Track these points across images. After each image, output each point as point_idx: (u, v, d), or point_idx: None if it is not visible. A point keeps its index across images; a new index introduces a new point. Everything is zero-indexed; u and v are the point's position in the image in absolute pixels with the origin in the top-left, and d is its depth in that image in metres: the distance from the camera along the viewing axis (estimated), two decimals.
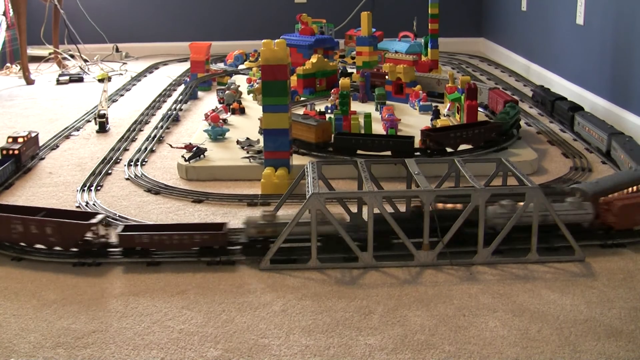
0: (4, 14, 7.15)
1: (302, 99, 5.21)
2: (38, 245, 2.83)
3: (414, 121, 4.48)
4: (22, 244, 2.83)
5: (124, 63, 7.51)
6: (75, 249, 2.78)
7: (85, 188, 3.59)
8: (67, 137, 4.62)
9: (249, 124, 4.52)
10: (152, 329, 2.30)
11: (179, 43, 7.79)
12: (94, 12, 7.83)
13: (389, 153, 3.75)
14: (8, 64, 7.19)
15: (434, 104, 4.74)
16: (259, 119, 4.42)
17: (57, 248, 2.79)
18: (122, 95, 5.94)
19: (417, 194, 2.76)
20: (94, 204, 3.36)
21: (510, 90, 5.64)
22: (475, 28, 8.17)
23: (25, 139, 3.95)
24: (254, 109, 4.87)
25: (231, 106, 4.86)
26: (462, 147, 3.84)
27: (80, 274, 2.68)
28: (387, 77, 5.08)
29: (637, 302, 2.43)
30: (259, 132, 4.23)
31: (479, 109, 4.46)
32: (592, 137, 4.15)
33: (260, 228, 2.73)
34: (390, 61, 5.40)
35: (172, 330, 2.29)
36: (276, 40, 3.41)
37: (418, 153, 3.79)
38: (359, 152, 3.79)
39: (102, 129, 4.70)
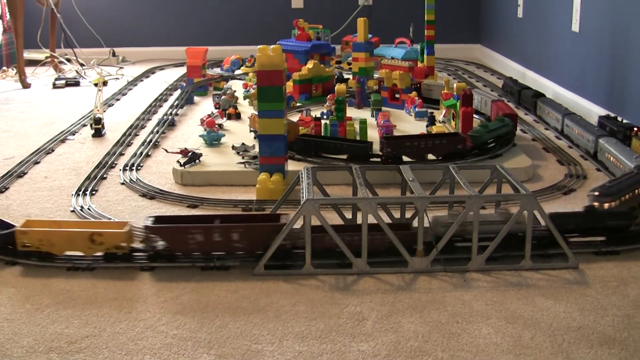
0: (1, 17, 7.15)
1: (298, 104, 5.21)
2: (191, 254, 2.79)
3: (409, 127, 4.48)
4: (198, 253, 2.76)
5: (121, 67, 7.52)
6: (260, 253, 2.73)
7: (80, 192, 3.59)
8: (63, 141, 4.62)
9: (244, 129, 4.52)
10: (146, 334, 2.30)
11: (176, 48, 7.80)
12: (90, 16, 7.84)
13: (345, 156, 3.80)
14: (4, 68, 7.19)
15: (429, 110, 4.75)
16: (248, 117, 4.43)
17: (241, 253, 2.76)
18: (118, 99, 5.94)
19: (411, 200, 2.77)
20: (88, 209, 3.36)
21: (508, 97, 5.64)
22: (472, 35, 8.18)
23: None
24: (250, 114, 4.86)
25: (227, 111, 4.86)
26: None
27: (74, 278, 2.68)
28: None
29: (630, 309, 2.43)
30: (250, 132, 4.26)
31: (475, 116, 4.47)
32: (550, 118, 4.77)
33: (449, 227, 2.71)
34: (386, 67, 5.41)
35: (166, 335, 2.29)
36: (272, 46, 3.42)
37: (376, 159, 3.78)
38: (320, 154, 3.86)
39: (98, 133, 4.70)
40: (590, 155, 4.04)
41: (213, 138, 4.17)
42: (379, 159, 3.75)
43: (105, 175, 3.88)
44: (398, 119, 4.68)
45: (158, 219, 2.80)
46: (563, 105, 4.81)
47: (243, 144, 4.02)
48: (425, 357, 2.16)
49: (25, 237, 2.75)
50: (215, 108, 5.08)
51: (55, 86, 6.50)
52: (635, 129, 3.94)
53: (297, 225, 2.69)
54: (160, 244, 2.75)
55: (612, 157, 3.73)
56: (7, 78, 6.93)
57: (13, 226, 2.83)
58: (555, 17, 5.75)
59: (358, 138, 4.21)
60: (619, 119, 4.19)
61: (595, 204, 2.89)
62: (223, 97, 5.12)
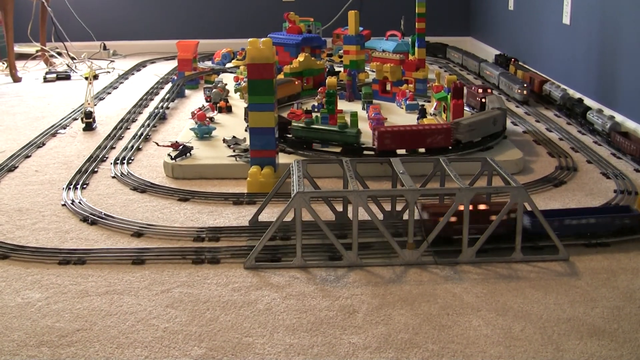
0: None
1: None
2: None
3: (400, 120, 4.48)
4: None
5: (112, 61, 7.50)
6: None
7: (71, 186, 3.59)
8: (54, 134, 4.61)
9: (235, 123, 4.52)
10: (137, 327, 2.30)
11: (167, 41, 7.78)
12: (81, 10, 7.82)
13: None
14: None
15: (420, 103, 4.75)
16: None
17: None
18: (109, 93, 5.93)
19: (402, 193, 2.77)
20: (79, 202, 3.36)
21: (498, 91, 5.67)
22: (463, 27, 8.19)
23: None
24: (240, 107, 4.86)
25: (218, 104, 4.85)
26: None
27: (65, 272, 2.68)
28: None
29: (619, 301, 2.45)
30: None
31: (466, 108, 4.48)
32: (455, 57, 6.95)
33: None
34: (377, 60, 5.41)
35: (157, 328, 2.29)
36: (262, 39, 3.42)
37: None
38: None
39: (89, 127, 4.69)
40: (478, 75, 6.25)
41: (204, 131, 4.16)
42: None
43: (96, 169, 3.87)
44: (389, 112, 4.69)
45: None
46: (463, 49, 7.00)
47: (234, 137, 4.01)
48: (415, 349, 2.16)
49: None
50: (206, 101, 5.07)
51: (46, 80, 6.48)
52: (513, 59, 6.08)
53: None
54: None
55: (487, 72, 5.98)
56: None
57: None
58: (546, 9, 5.75)
59: None
60: (507, 55, 6.24)
61: None
62: (214, 90, 5.11)
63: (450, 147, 3.76)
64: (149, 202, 3.40)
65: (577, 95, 5.00)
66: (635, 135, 4.07)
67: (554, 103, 5.05)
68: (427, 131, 3.72)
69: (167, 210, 3.28)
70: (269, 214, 3.15)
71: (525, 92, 5.22)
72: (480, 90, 4.56)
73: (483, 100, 4.54)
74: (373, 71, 5.26)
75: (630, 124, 4.29)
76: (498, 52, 6.55)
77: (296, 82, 5.09)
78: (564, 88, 5.10)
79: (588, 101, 4.78)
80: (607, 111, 4.46)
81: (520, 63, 6.06)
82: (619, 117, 4.34)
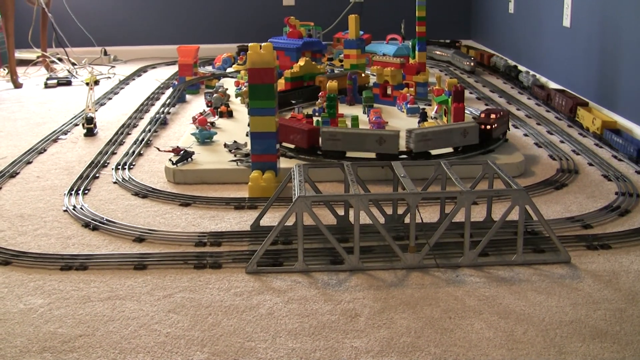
0: None
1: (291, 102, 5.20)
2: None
3: (401, 124, 4.49)
4: None
5: (112, 66, 7.51)
6: None
7: (73, 192, 3.59)
8: (55, 140, 4.62)
9: (236, 127, 4.52)
10: (139, 332, 2.30)
11: (167, 46, 7.80)
12: (82, 16, 7.82)
13: None
14: None
15: (421, 107, 4.75)
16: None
17: None
18: (110, 98, 5.93)
19: (403, 196, 2.77)
20: (81, 208, 3.36)
21: (499, 92, 5.67)
22: (463, 30, 8.19)
23: None
24: (241, 112, 4.87)
25: (219, 109, 4.86)
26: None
27: (67, 278, 2.68)
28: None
29: (622, 303, 2.44)
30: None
31: (467, 110, 4.48)
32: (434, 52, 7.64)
33: None
34: (377, 64, 5.41)
35: (159, 334, 2.29)
36: (263, 44, 3.42)
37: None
38: None
39: (90, 133, 4.70)
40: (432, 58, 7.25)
41: (205, 136, 4.16)
42: None
43: (97, 175, 3.88)
44: (390, 116, 4.69)
45: None
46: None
47: (235, 141, 4.02)
48: (418, 352, 2.16)
49: None
50: (207, 106, 5.08)
51: (46, 86, 6.48)
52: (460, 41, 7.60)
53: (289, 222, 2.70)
54: None
55: (446, 55, 7.13)
56: None
57: None
58: (546, 12, 5.76)
59: None
60: (455, 40, 7.60)
61: None
62: (215, 95, 5.12)
63: (307, 150, 3.79)
64: (150, 207, 3.40)
65: (513, 63, 6.43)
66: (547, 86, 5.51)
67: (498, 71, 6.45)
68: (291, 128, 3.84)
69: (168, 215, 3.28)
70: (271, 219, 3.15)
71: (472, 64, 6.65)
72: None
73: None
74: (374, 75, 5.26)
75: (543, 80, 5.63)
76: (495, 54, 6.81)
77: (363, 74, 5.39)
78: (505, 59, 6.53)
79: (589, 104, 4.80)
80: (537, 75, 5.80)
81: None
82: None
